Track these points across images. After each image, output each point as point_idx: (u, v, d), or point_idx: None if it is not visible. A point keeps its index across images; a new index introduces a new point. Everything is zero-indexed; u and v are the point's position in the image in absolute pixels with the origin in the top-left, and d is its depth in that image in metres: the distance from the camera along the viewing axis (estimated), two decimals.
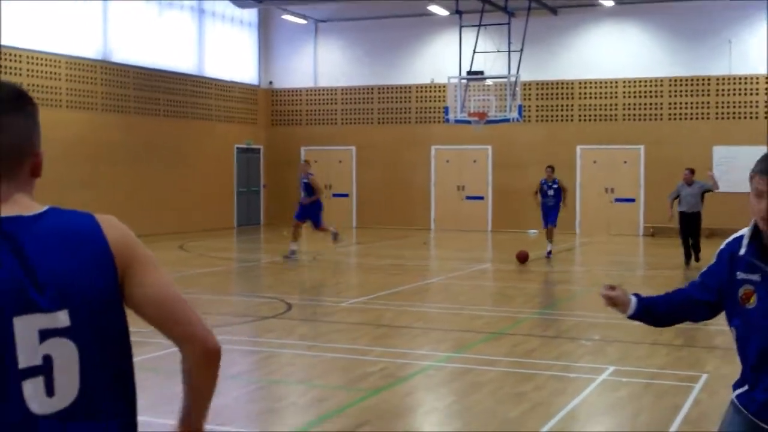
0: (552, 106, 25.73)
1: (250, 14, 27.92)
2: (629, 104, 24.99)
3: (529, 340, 9.52)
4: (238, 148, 27.30)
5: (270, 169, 28.50)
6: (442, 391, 7.57)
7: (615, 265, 17.76)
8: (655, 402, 7.04)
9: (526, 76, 24.10)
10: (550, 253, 18.01)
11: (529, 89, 25.35)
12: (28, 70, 20.25)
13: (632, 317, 3.38)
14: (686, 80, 24.38)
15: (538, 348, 9.12)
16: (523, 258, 16.80)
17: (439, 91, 25.93)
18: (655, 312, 3.39)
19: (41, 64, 20.61)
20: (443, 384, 7.81)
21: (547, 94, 25.72)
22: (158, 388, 7.38)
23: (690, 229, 16.83)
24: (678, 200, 16.94)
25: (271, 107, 28.67)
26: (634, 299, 3.38)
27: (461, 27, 23.28)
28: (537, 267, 16.90)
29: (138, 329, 8.44)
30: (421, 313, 11.36)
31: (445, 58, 25.45)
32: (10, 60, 19.82)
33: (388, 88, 27.33)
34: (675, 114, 24.51)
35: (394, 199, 27.09)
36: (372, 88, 27.51)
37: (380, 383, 7.55)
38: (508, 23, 22.87)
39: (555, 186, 18.27)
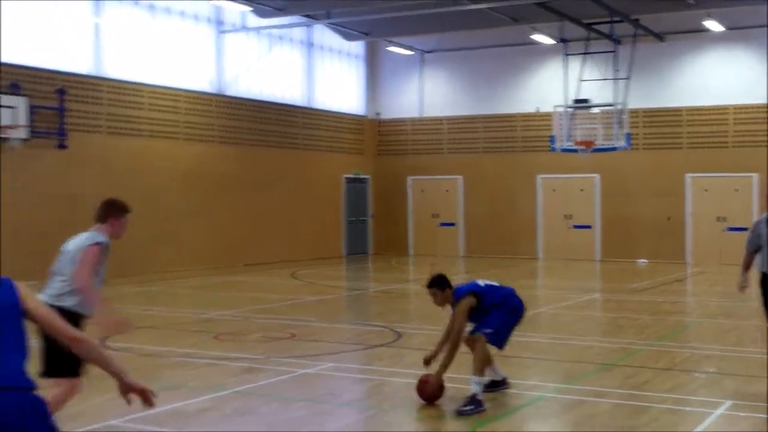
0: (660, 133, 25.36)
1: (358, 47, 28.52)
2: (740, 131, 24.42)
3: (641, 371, 9.44)
4: (346, 177, 27.81)
5: (377, 199, 28.91)
6: (553, 422, 7.61)
7: (728, 296, 17.32)
8: None
9: (633, 104, 23.86)
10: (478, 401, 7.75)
11: (637, 117, 25.07)
12: (149, 104, 21.21)
13: None
14: None
15: (651, 380, 9.04)
16: (427, 394, 8.02)
17: (545, 119, 25.89)
18: None
19: (162, 99, 21.55)
20: (554, 415, 7.84)
21: (655, 122, 25.38)
22: (272, 414, 7.67)
23: None
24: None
25: (378, 137, 29.12)
26: None
27: (566, 55, 23.27)
28: (647, 297, 16.66)
29: (252, 356, 8.81)
30: (530, 343, 11.36)
31: (550, 86, 25.45)
32: (134, 95, 20.80)
33: (493, 117, 27.44)
34: None
35: (501, 227, 27.10)
36: (477, 118, 27.66)
37: (490, 413, 7.63)
38: (614, 51, 22.72)
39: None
